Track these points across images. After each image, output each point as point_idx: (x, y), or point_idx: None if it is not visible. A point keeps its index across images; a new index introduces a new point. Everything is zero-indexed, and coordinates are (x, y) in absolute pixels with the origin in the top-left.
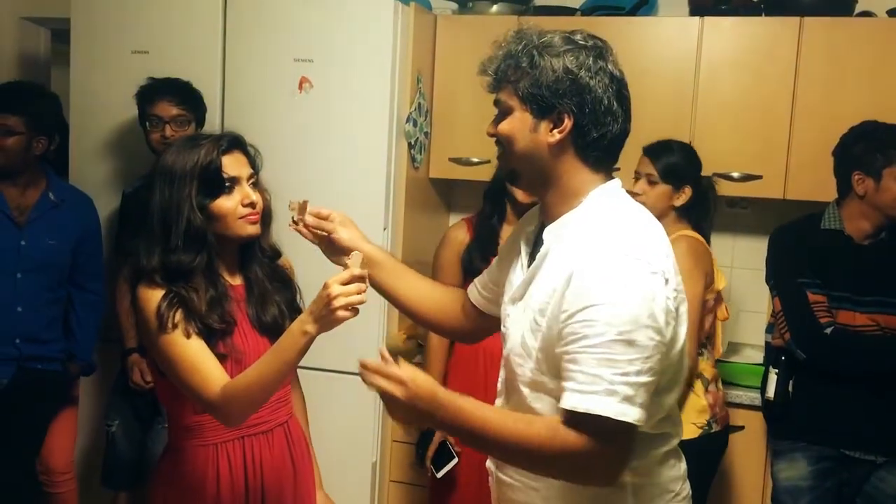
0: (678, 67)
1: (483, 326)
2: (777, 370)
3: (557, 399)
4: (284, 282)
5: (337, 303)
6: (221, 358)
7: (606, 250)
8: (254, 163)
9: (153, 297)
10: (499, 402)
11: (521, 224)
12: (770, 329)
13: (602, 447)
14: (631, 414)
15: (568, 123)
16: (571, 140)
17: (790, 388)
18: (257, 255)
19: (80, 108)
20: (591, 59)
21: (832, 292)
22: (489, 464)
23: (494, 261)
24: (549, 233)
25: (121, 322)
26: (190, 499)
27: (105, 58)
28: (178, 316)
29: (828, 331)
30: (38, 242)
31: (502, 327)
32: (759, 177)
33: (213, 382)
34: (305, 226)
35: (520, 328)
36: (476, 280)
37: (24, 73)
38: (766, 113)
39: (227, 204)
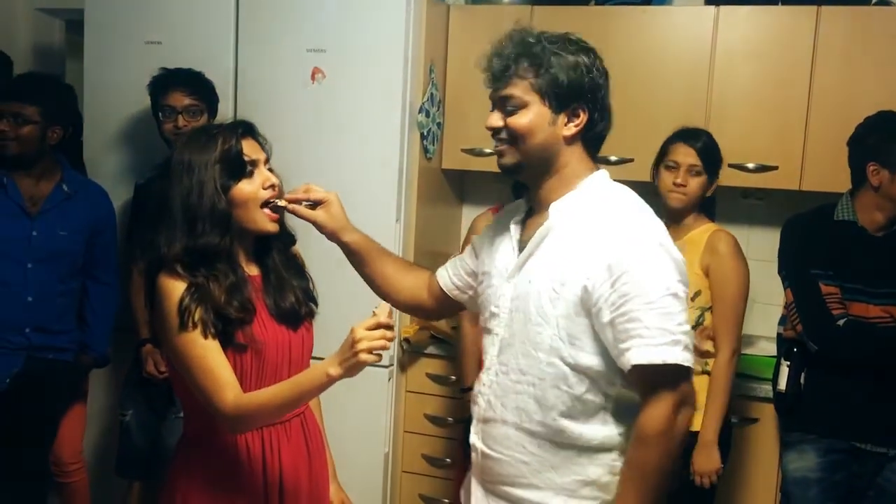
0: (693, 57)
1: (446, 306)
2: (789, 362)
3: (570, 366)
4: (299, 270)
5: (360, 346)
6: (241, 349)
7: (633, 223)
8: (265, 149)
9: (175, 289)
10: (488, 377)
11: (504, 214)
12: (783, 321)
13: (675, 395)
14: (690, 359)
15: (583, 117)
16: (581, 133)
17: (802, 381)
18: (273, 243)
19: (94, 98)
20: (596, 59)
21: (845, 284)
22: (474, 439)
23: (467, 251)
24: (554, 209)
25: (134, 313)
26: (209, 488)
27: (118, 48)
28: (199, 313)
29: (840, 323)
30: (49, 233)
31: (492, 307)
32: (775, 167)
33: (226, 390)
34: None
35: (531, 300)
36: (447, 266)
37: (39, 64)
38: (782, 103)
39: (248, 188)
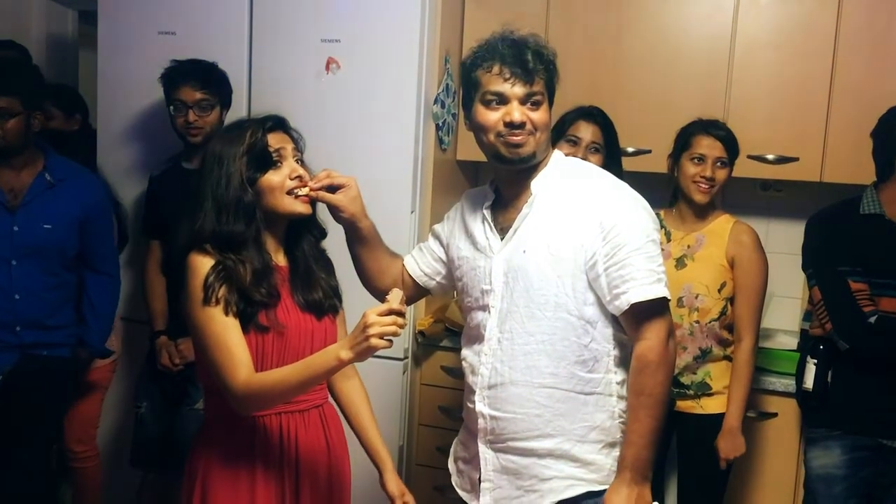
0: (712, 46)
1: (414, 293)
2: (815, 360)
3: (576, 317)
4: (328, 266)
5: (371, 331)
6: (263, 330)
7: (611, 185)
8: (297, 144)
9: (203, 265)
10: (489, 347)
11: (468, 201)
12: (808, 317)
13: (667, 322)
14: (668, 291)
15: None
16: None
17: (829, 379)
18: (304, 235)
19: (107, 90)
20: None
21: (874, 279)
22: (480, 407)
23: (431, 239)
24: (535, 184)
25: (149, 304)
26: (227, 469)
27: (132, 39)
28: (223, 291)
29: (871, 320)
30: (31, 227)
31: (483, 285)
32: (796, 159)
33: (239, 368)
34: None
35: (530, 268)
36: (414, 255)
37: (52, 56)
38: (803, 92)
39: (274, 178)
